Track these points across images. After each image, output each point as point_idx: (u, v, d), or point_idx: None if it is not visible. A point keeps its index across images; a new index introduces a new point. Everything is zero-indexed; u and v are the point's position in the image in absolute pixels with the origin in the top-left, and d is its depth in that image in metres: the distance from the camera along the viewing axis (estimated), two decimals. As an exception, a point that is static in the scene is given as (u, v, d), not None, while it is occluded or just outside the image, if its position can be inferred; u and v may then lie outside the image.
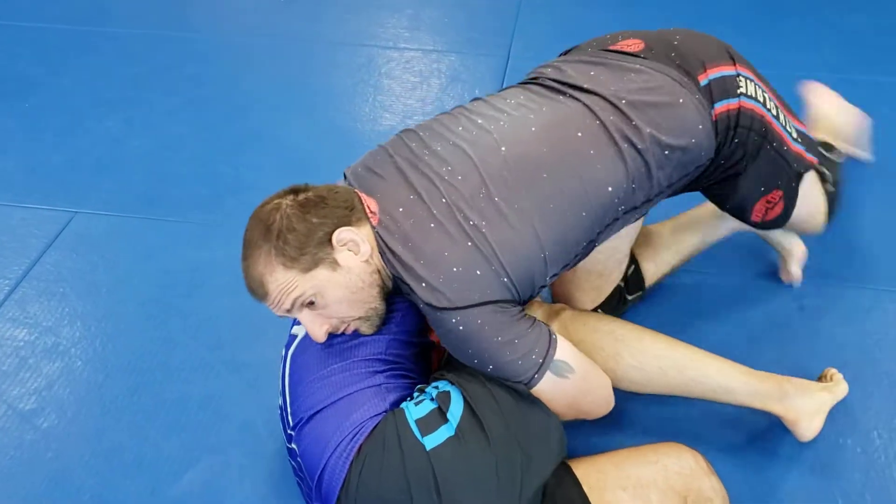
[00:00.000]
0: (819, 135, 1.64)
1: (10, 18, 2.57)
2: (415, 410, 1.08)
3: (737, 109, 1.21)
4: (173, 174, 1.95)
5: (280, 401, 1.20)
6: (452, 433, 1.04)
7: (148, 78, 2.29)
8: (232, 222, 1.80)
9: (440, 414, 1.07)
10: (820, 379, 1.36)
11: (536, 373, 1.07)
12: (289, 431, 1.16)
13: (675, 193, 1.27)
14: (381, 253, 1.10)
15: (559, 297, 1.45)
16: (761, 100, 1.24)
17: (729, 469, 1.21)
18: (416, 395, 1.13)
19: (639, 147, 1.14)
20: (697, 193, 1.33)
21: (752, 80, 1.25)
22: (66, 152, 2.04)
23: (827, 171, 1.43)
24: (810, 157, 1.35)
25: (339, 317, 1.12)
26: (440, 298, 1.04)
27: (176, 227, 1.80)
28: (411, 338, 1.20)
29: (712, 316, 1.54)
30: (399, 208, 1.10)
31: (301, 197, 1.11)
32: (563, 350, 1.10)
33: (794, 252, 1.56)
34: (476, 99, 1.27)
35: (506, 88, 1.31)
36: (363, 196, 1.14)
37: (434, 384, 1.14)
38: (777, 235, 1.53)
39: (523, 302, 1.13)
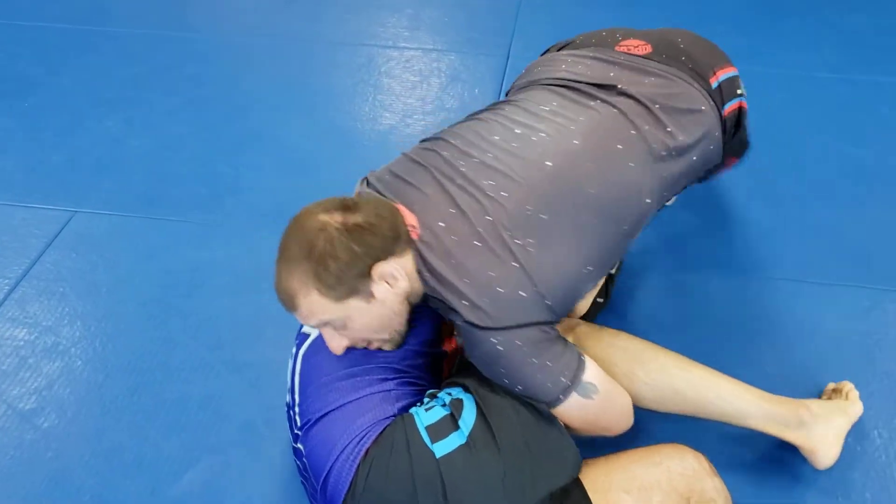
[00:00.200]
0: None
1: (10, 18, 2.57)
2: (425, 416, 1.07)
3: (738, 109, 1.25)
4: (173, 174, 1.95)
5: (288, 398, 1.20)
6: (464, 441, 1.04)
7: (148, 78, 2.29)
8: (232, 222, 1.81)
9: (452, 421, 1.06)
10: (829, 392, 1.36)
11: (562, 394, 1.06)
12: (296, 431, 1.15)
13: None
14: (419, 270, 1.07)
15: None
16: (745, 92, 1.29)
17: (728, 469, 1.21)
18: (426, 400, 1.12)
19: (674, 155, 1.15)
20: None
21: (738, 77, 1.30)
22: (65, 152, 2.04)
23: None
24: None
25: (362, 338, 1.11)
26: (483, 318, 1.03)
27: (176, 227, 1.80)
28: (425, 348, 1.19)
29: (712, 316, 1.54)
30: (440, 223, 1.07)
31: (350, 221, 1.03)
32: (590, 371, 1.10)
33: None
34: (504, 102, 1.24)
35: (531, 89, 1.28)
36: (402, 209, 1.09)
37: (447, 390, 1.13)
38: None
39: (558, 321, 1.12)
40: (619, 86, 1.19)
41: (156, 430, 1.40)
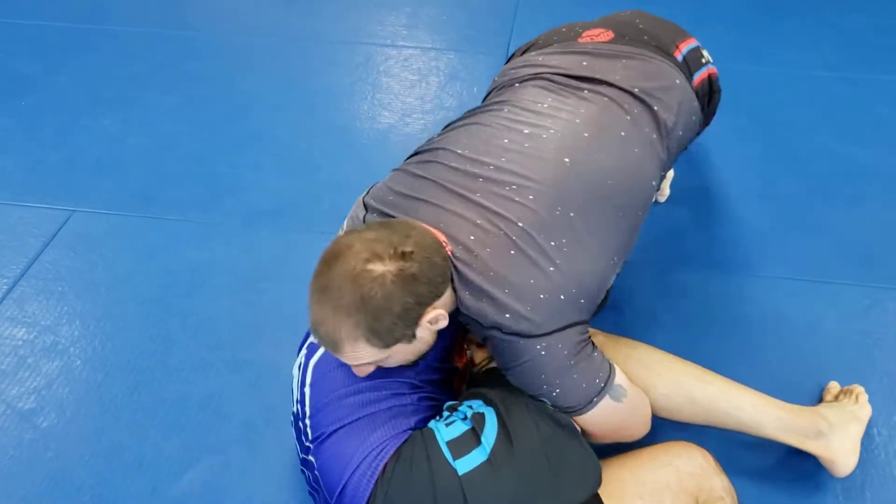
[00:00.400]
0: None
1: (8, 16, 2.56)
2: (446, 431, 1.06)
3: (707, 76, 1.29)
4: (172, 173, 1.95)
5: (296, 408, 1.18)
6: (486, 458, 1.02)
7: (146, 76, 2.28)
8: (231, 221, 1.81)
9: (474, 436, 1.05)
10: (835, 392, 1.36)
11: (596, 396, 1.06)
12: (306, 443, 1.14)
13: None
14: (455, 289, 1.04)
15: None
16: (711, 59, 1.34)
17: (729, 467, 1.21)
18: (446, 414, 1.11)
19: (663, 135, 1.17)
20: None
21: (701, 46, 1.34)
22: (64, 151, 2.03)
23: None
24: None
25: (390, 366, 1.09)
26: (528, 327, 1.01)
27: (175, 226, 1.80)
28: (439, 363, 1.18)
29: (712, 316, 1.54)
30: (470, 237, 1.04)
31: (407, 272, 0.97)
32: (620, 375, 1.10)
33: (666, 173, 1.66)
34: (497, 104, 1.22)
35: (518, 87, 1.26)
36: (430, 229, 1.05)
37: (468, 403, 1.12)
38: None
39: (590, 319, 1.11)
40: (598, 76, 1.20)
41: (156, 429, 1.40)
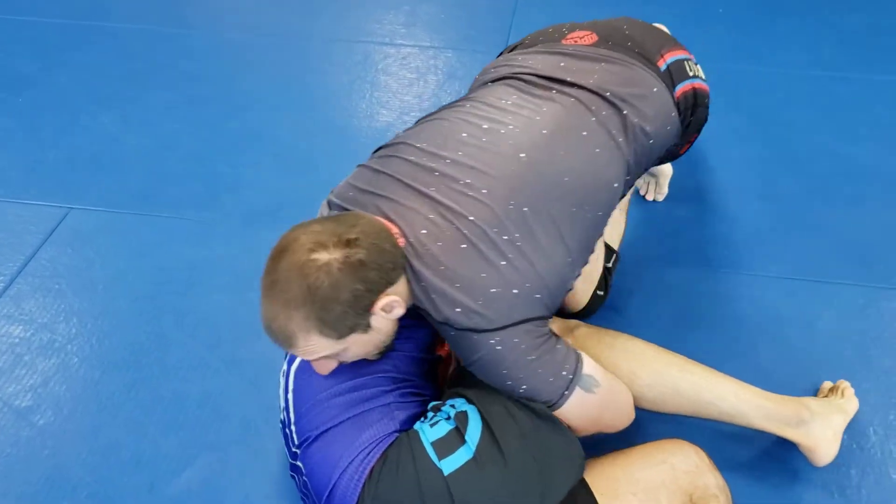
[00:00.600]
0: None
1: (6, 13, 2.56)
2: (430, 432, 1.06)
3: (692, 90, 1.28)
4: (170, 171, 1.95)
5: (283, 416, 1.18)
6: (471, 456, 1.03)
7: (145, 75, 2.28)
8: (229, 220, 1.81)
9: (458, 435, 1.05)
10: (826, 391, 1.36)
11: (566, 389, 1.06)
12: (293, 449, 1.14)
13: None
14: (408, 280, 1.04)
15: None
16: (702, 75, 1.32)
17: (724, 466, 1.21)
18: (430, 414, 1.11)
19: (630, 140, 1.17)
20: None
21: (692, 60, 1.33)
22: (61, 148, 2.03)
23: None
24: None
25: (351, 359, 1.09)
26: (479, 322, 1.01)
27: (173, 225, 1.80)
28: (421, 354, 1.18)
29: (710, 315, 1.54)
30: (422, 230, 1.04)
31: (353, 259, 0.97)
32: (589, 365, 1.10)
33: (664, 171, 1.69)
34: (462, 100, 1.24)
35: (489, 86, 1.28)
36: (385, 222, 1.06)
37: (450, 402, 1.12)
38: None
39: (551, 316, 1.11)
40: (569, 78, 1.20)
41: (154, 427, 1.40)
